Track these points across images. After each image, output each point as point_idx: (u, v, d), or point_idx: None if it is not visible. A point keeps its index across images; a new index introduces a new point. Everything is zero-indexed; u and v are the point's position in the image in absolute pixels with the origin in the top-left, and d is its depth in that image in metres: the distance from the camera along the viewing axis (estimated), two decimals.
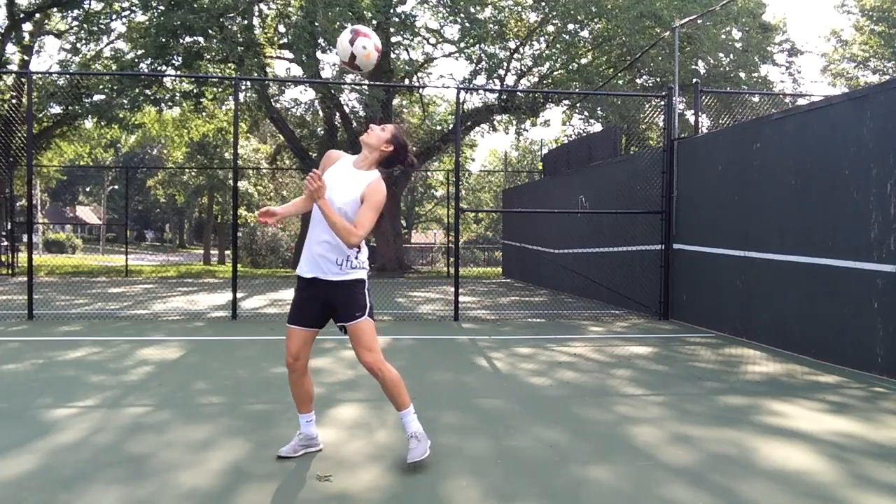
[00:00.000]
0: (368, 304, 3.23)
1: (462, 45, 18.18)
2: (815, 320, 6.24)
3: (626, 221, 10.01)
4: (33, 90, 9.25)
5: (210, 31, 15.42)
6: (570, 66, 19.28)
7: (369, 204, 3.12)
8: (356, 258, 3.21)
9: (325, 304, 3.22)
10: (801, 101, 13.78)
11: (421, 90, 23.19)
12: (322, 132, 21.68)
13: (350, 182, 3.18)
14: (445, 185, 24.51)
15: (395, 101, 20.18)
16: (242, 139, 29.50)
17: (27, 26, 19.19)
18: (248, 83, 17.89)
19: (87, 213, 65.77)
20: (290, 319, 3.29)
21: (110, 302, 10.72)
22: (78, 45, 18.17)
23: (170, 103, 17.85)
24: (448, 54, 22.88)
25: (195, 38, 15.88)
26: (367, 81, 16.72)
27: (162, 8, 15.42)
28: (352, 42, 3.28)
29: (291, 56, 18.72)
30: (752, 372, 5.66)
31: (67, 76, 17.15)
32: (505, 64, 19.02)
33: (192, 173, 34.34)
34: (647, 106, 10.66)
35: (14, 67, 18.84)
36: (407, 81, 20.62)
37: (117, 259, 24.59)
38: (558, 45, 18.86)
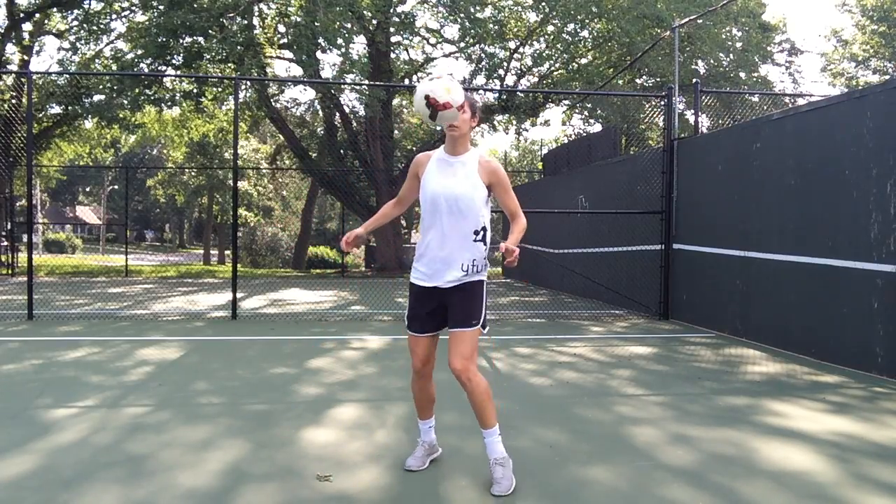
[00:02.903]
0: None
1: (462, 45, 18.18)
2: (815, 320, 6.24)
3: (625, 221, 10.01)
4: (33, 90, 9.25)
5: (210, 31, 15.41)
6: (570, 66, 19.29)
7: (505, 186, 3.08)
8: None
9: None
10: (800, 101, 13.79)
11: None
12: (322, 132, 21.68)
13: (460, 172, 3.03)
14: None
15: (395, 101, 20.17)
16: (242, 139, 29.49)
17: (27, 26, 19.18)
18: (248, 83, 17.88)
19: (87, 213, 65.79)
20: None
21: (110, 302, 10.72)
22: (78, 44, 18.17)
23: (170, 103, 17.84)
24: (448, 54, 22.86)
25: (195, 37, 15.88)
26: (366, 81, 16.71)
27: (162, 8, 15.42)
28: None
29: (291, 56, 18.71)
30: (752, 372, 5.66)
31: (67, 76, 17.14)
32: (505, 64, 19.02)
33: (192, 173, 34.34)
34: (647, 106, 10.67)
35: (14, 67, 18.83)
36: (407, 81, 20.61)
37: (117, 259, 24.58)
38: (558, 45, 18.87)
